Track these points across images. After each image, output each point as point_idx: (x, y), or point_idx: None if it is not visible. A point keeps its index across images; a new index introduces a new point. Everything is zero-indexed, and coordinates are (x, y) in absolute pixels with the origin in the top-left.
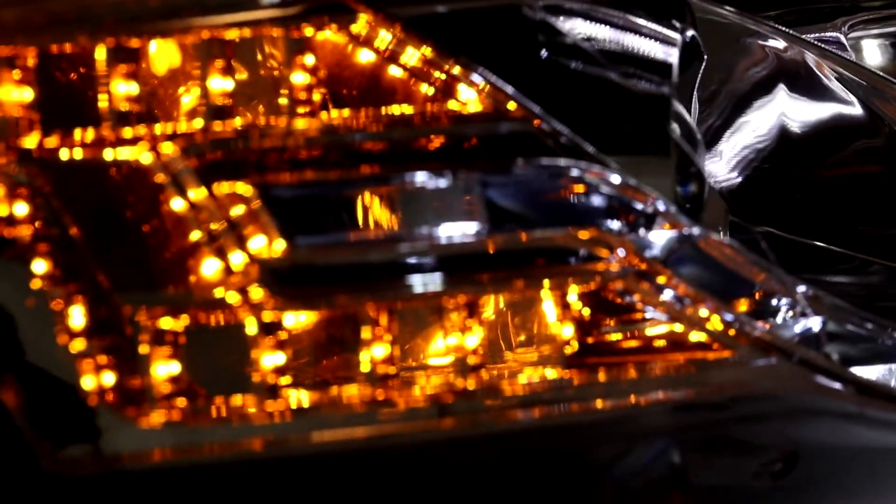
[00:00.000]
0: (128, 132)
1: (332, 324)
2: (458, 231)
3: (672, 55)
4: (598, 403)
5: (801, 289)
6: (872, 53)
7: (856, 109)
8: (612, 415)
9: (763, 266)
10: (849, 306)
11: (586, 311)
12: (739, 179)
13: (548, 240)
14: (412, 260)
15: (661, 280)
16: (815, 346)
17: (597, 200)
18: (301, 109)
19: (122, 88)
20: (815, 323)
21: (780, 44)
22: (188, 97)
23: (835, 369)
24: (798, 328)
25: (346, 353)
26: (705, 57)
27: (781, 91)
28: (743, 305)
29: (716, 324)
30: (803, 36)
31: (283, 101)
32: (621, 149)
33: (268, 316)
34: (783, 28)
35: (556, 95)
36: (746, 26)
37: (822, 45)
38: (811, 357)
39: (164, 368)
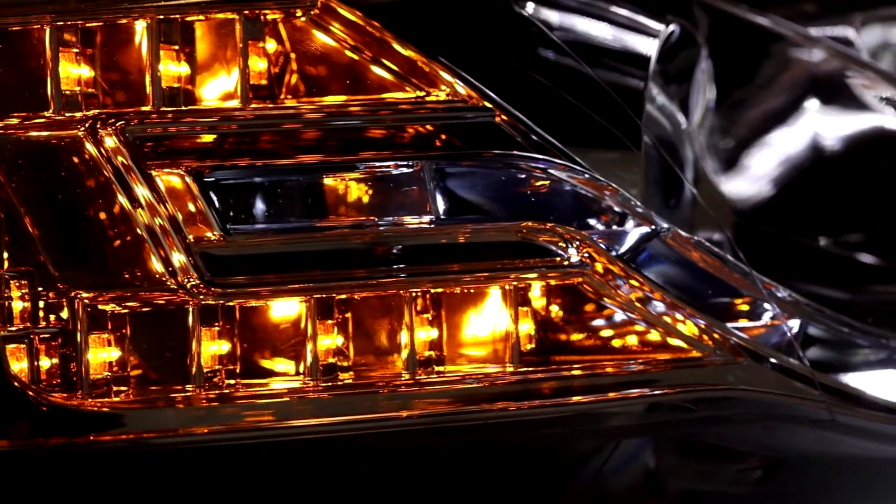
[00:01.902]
0: (68, 115)
1: (274, 313)
2: (407, 222)
3: (651, 48)
4: (552, 400)
5: (779, 293)
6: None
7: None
8: (564, 412)
9: (735, 267)
10: (831, 312)
11: (546, 306)
12: (771, 193)
13: (502, 232)
14: (356, 250)
15: (623, 276)
16: (786, 349)
17: (557, 195)
18: (250, 96)
19: (66, 71)
20: (789, 327)
21: (817, 55)
22: (132, 82)
23: (806, 373)
24: (769, 331)
25: (289, 343)
26: (704, 52)
27: (815, 105)
28: (711, 305)
29: (681, 323)
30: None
31: (232, 88)
32: (589, 143)
33: (203, 303)
34: (825, 39)
35: (522, 87)
36: (786, 36)
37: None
38: (780, 360)
39: (101, 354)
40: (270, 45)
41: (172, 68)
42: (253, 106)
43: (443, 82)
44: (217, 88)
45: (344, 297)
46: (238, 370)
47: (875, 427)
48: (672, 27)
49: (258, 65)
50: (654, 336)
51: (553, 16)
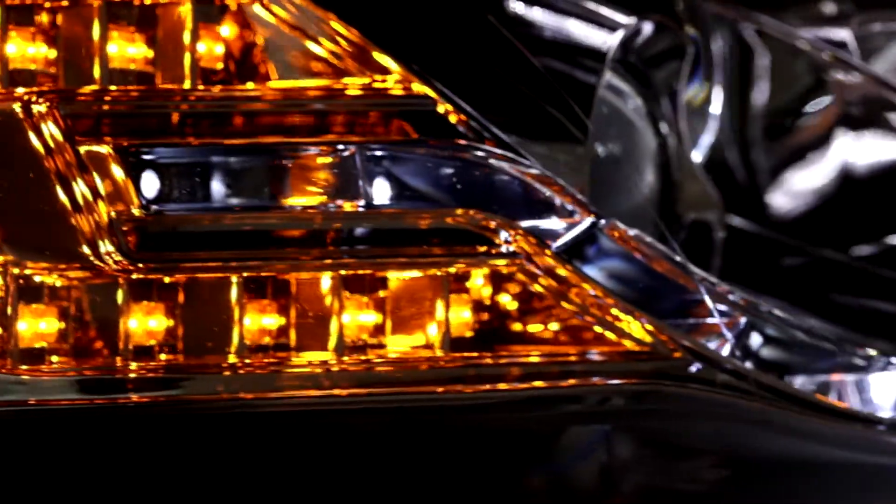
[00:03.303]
0: (6, 91)
1: (206, 291)
2: (337, 205)
3: (609, 42)
4: (478, 387)
5: (720, 289)
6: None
7: None
8: (492, 398)
9: (675, 263)
10: (786, 314)
11: (480, 294)
12: (798, 215)
13: (434, 219)
14: (282, 232)
15: (556, 267)
16: (725, 347)
17: (495, 184)
18: (195, 78)
19: (17, 48)
20: (731, 325)
21: (849, 78)
22: (73, 59)
23: (744, 372)
24: (707, 327)
25: (222, 321)
26: (691, 51)
27: (845, 131)
28: (647, 299)
29: (614, 316)
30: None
31: (180, 70)
32: (535, 135)
33: (126, 277)
34: (857, 63)
35: (466, 75)
36: (816, 57)
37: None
38: (717, 358)
39: (24, 325)
40: (219, 29)
41: (122, 49)
42: (185, 88)
43: (386, 70)
44: (164, 70)
45: (275, 277)
46: (169, 345)
47: (816, 429)
48: (639, 21)
49: (206, 48)
50: (586, 328)
51: (506, 6)
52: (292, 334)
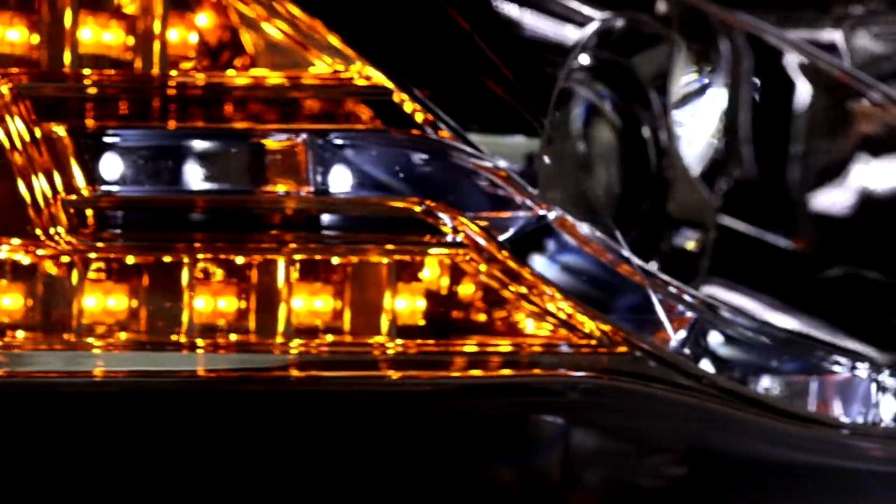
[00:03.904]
0: None
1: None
2: (285, 191)
3: (573, 37)
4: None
5: (674, 287)
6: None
7: None
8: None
9: (623, 258)
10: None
11: (426, 282)
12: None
13: (380, 206)
14: (224, 216)
15: (503, 259)
16: (671, 343)
17: (446, 174)
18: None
19: None
20: (679, 322)
21: (879, 105)
22: (37, 39)
23: (689, 369)
24: (654, 323)
25: (168, 301)
26: (678, 51)
27: (868, 159)
28: (592, 293)
29: (559, 308)
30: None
31: (146, 56)
32: (490, 127)
33: (76, 256)
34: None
35: (425, 65)
36: (852, 84)
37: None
38: (663, 353)
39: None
40: (182, 16)
41: (86, 33)
42: (143, 73)
43: (350, 59)
44: (126, 55)
45: (226, 260)
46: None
47: (766, 429)
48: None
49: (173, 34)
50: (531, 319)
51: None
52: (244, 316)
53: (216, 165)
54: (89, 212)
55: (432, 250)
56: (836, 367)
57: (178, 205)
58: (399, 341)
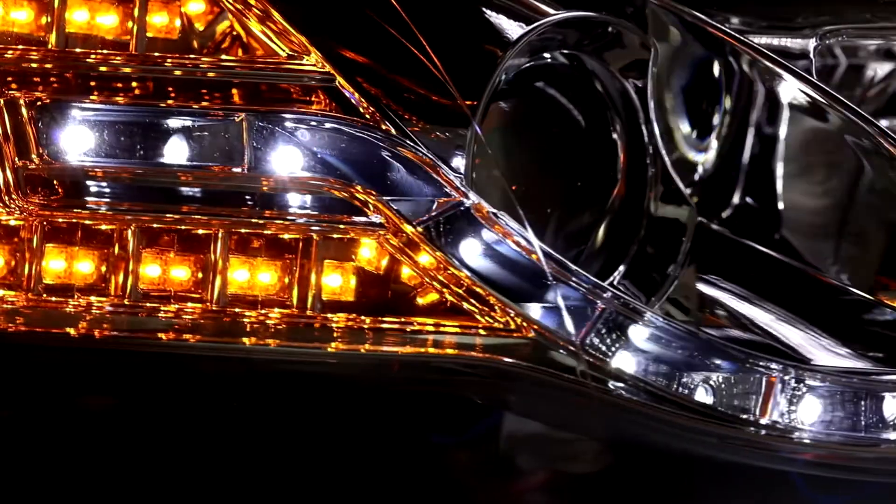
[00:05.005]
0: None
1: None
2: (220, 168)
3: (515, 32)
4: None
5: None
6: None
7: None
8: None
9: (535, 248)
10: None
11: (347, 261)
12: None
13: (306, 186)
14: (162, 189)
15: (418, 242)
16: (572, 332)
17: (372, 159)
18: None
19: None
20: (582, 312)
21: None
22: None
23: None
24: (557, 312)
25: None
26: (654, 51)
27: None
28: (502, 280)
29: (467, 292)
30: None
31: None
32: (424, 116)
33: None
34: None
35: (367, 54)
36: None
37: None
38: (563, 340)
39: None
40: None
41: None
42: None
43: (293, 44)
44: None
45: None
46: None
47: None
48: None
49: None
50: (439, 300)
51: None
52: (180, 283)
53: (158, 141)
54: (40, 179)
55: (350, 230)
56: (753, 368)
57: (124, 176)
58: (310, 314)
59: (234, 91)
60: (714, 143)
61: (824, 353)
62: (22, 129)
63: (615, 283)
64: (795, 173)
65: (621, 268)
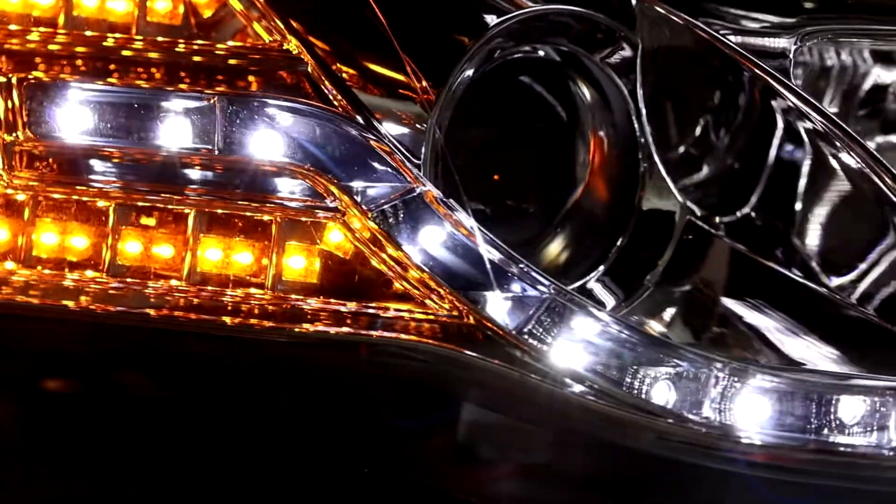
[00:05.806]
0: None
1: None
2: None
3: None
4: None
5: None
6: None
7: None
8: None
9: (483, 237)
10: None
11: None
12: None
13: (267, 169)
14: (136, 165)
15: (371, 228)
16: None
17: (335, 144)
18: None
19: None
20: (526, 304)
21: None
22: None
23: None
24: (500, 302)
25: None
26: (639, 46)
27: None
28: (449, 267)
29: (415, 278)
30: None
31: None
32: (388, 105)
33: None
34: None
35: (338, 41)
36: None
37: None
38: (505, 332)
39: None
40: None
41: None
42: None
43: (273, 29)
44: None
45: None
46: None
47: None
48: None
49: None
50: (392, 286)
51: None
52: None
53: (135, 121)
54: (24, 153)
55: (306, 213)
56: (695, 368)
57: (103, 154)
58: (266, 294)
59: (213, 75)
60: (704, 141)
61: (817, 357)
62: (14, 107)
63: (598, 278)
64: (786, 172)
65: (601, 267)
